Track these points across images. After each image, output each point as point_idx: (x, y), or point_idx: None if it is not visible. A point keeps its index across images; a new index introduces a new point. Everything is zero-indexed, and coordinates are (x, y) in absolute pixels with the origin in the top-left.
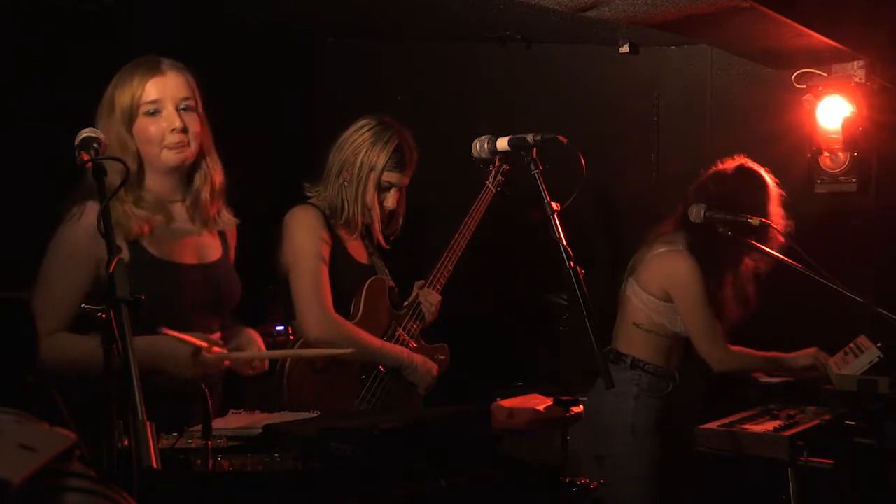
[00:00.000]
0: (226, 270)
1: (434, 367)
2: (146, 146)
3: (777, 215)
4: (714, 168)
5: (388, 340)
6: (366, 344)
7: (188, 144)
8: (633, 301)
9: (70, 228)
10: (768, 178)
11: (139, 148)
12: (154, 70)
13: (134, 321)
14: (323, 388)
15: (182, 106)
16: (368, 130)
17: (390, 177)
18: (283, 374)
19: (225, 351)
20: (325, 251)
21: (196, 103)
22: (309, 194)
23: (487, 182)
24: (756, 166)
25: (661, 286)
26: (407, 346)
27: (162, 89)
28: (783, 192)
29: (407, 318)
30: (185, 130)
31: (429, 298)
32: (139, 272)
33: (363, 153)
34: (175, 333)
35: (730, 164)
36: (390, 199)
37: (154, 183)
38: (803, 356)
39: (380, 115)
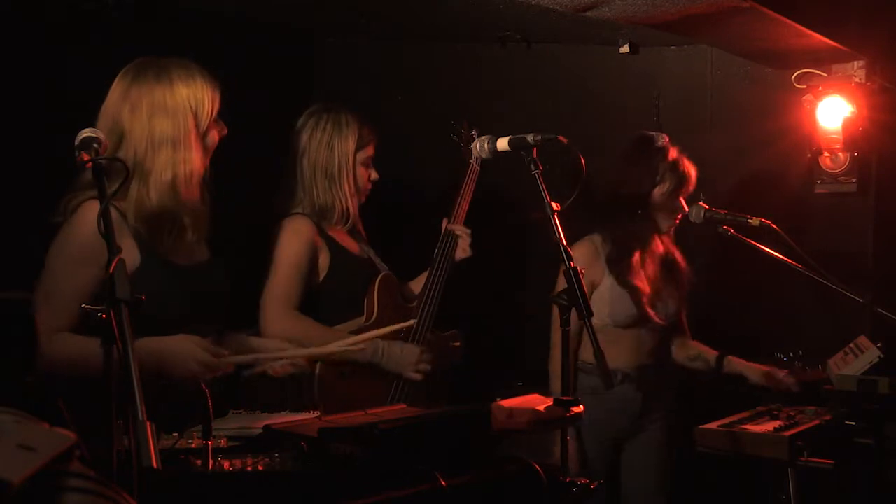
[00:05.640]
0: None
1: (417, 352)
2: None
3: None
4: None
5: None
6: (329, 343)
7: None
8: None
9: (79, 227)
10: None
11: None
12: (214, 82)
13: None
14: (355, 391)
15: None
16: (328, 122)
17: (369, 150)
18: (314, 379)
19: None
20: (316, 259)
21: None
22: (295, 210)
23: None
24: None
25: None
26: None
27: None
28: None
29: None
30: None
31: (457, 231)
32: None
33: (337, 144)
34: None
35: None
36: (373, 171)
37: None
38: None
39: (319, 106)
